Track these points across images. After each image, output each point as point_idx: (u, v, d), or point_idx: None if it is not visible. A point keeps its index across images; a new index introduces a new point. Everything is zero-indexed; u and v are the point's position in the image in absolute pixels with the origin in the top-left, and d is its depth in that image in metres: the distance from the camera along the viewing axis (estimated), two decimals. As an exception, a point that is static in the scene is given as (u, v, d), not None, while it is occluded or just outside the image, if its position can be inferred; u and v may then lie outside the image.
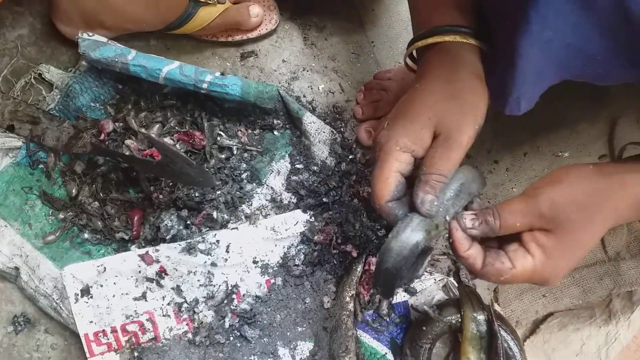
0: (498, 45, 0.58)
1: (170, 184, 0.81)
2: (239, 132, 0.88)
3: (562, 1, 0.46)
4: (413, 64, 0.66)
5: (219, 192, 0.83)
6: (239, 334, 0.82)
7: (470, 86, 0.55)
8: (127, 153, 0.81)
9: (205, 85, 0.82)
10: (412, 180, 0.55)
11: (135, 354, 0.79)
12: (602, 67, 0.54)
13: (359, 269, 0.82)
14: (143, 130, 0.52)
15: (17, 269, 0.82)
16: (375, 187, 0.53)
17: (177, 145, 0.83)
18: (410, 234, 0.52)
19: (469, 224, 0.53)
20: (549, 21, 0.48)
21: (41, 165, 0.86)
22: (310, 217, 0.84)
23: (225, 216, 0.83)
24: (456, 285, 0.84)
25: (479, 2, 0.61)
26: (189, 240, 0.79)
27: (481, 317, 0.77)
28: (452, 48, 0.57)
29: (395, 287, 0.55)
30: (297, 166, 0.87)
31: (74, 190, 0.85)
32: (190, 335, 0.80)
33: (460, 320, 0.78)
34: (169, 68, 0.81)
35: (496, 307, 0.81)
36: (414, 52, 0.65)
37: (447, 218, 0.54)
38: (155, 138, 0.52)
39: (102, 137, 0.84)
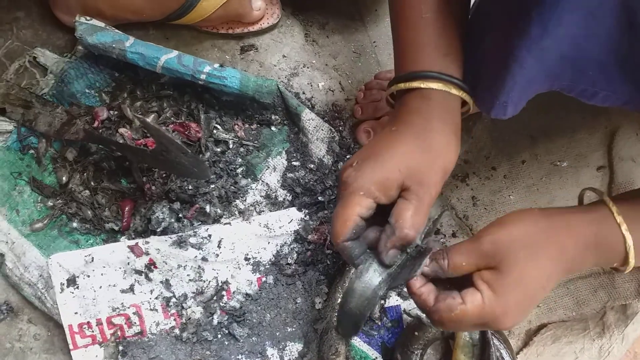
0: (489, 47, 0.57)
1: (164, 174, 0.80)
2: (236, 126, 0.87)
3: (567, 10, 0.45)
4: (392, 100, 0.65)
5: (212, 186, 0.82)
6: (227, 331, 0.80)
7: (444, 140, 0.55)
8: (120, 142, 0.79)
9: (203, 77, 0.80)
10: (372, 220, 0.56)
11: (120, 347, 0.77)
12: (592, 83, 0.54)
13: (352, 271, 0.81)
14: (138, 116, 0.51)
15: (2, 255, 0.80)
16: (335, 226, 0.54)
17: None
18: (372, 277, 0.53)
19: (427, 269, 0.55)
20: (549, 29, 0.46)
21: (32, 151, 0.84)
22: (305, 216, 0.83)
23: (219, 211, 0.81)
24: (450, 290, 0.83)
25: (465, 50, 0.60)
26: (180, 234, 0.78)
27: (474, 324, 0.76)
28: (433, 96, 0.56)
29: (358, 327, 0.57)
30: (294, 163, 0.86)
31: (64, 178, 0.83)
32: (177, 331, 0.79)
33: (452, 326, 0.77)
34: (167, 57, 0.79)
35: (489, 314, 0.79)
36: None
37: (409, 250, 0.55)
38: (151, 124, 0.51)
39: (95, 124, 0.82)
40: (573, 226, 0.53)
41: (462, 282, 0.54)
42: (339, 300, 0.54)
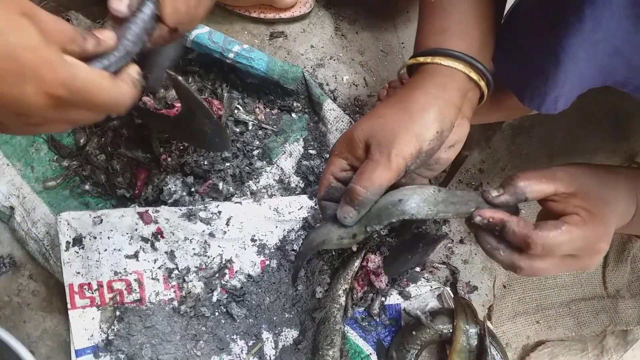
0: (537, 44, 0.56)
1: (181, 147, 0.80)
2: (257, 109, 0.87)
3: (620, 5, 0.45)
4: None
5: (227, 164, 0.82)
6: (225, 310, 0.80)
7: (421, 106, 0.52)
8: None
9: (231, 55, 0.81)
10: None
11: (117, 313, 0.77)
12: None
13: (356, 264, 0.81)
14: (170, 72, 0.51)
15: (12, 208, 0.80)
16: (319, 185, 0.56)
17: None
18: (324, 234, 0.55)
19: (494, 193, 0.52)
20: (602, 22, 0.46)
21: (54, 110, 0.85)
22: (316, 204, 0.83)
23: (231, 189, 0.81)
24: (452, 296, 0.83)
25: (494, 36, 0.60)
26: (190, 207, 0.78)
27: (473, 330, 0.76)
28: (430, 70, 0.55)
29: (298, 267, 0.60)
30: (310, 151, 0.86)
31: (82, 140, 0.84)
32: (175, 303, 0.79)
33: (451, 330, 0.77)
34: (198, 32, 0.80)
35: (489, 324, 0.79)
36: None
37: (368, 229, 0.54)
38: (182, 81, 0.51)
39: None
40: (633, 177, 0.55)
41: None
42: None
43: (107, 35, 0.45)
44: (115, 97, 0.44)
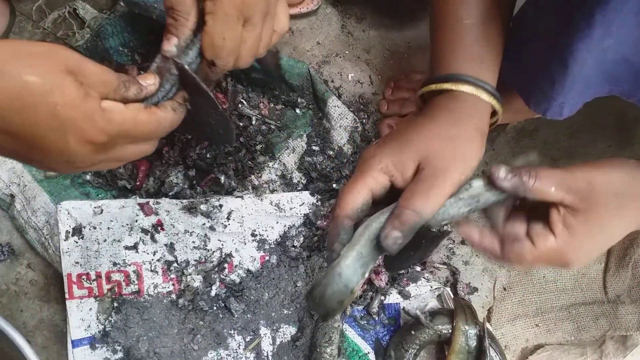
0: (545, 48, 0.57)
1: (184, 139, 0.80)
2: (261, 103, 0.87)
3: (631, 12, 0.45)
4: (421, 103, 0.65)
5: (230, 158, 0.82)
6: (223, 305, 0.79)
7: (469, 136, 0.53)
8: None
9: (237, 49, 0.80)
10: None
11: (115, 304, 0.76)
12: None
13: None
14: (176, 61, 0.51)
15: (12, 196, 0.80)
16: (343, 196, 0.51)
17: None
18: (349, 277, 0.46)
19: (502, 174, 0.50)
20: (611, 29, 0.46)
21: (57, 99, 0.85)
22: (317, 201, 0.82)
23: (233, 183, 0.81)
24: (452, 296, 0.82)
25: (500, 59, 0.60)
26: (191, 200, 0.77)
27: (472, 331, 0.75)
28: (464, 98, 0.56)
29: (332, 315, 0.50)
30: (314, 148, 0.86)
31: (85, 130, 0.83)
32: (174, 296, 0.78)
33: (450, 331, 0.76)
34: (205, 24, 0.79)
35: (488, 326, 0.78)
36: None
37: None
38: (189, 70, 0.51)
39: (124, 81, 0.82)
40: None
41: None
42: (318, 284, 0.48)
43: (149, 81, 0.49)
44: (154, 128, 0.47)
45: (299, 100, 0.87)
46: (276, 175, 0.84)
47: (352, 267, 0.46)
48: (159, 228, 0.77)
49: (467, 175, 0.52)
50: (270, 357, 0.79)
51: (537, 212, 0.52)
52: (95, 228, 0.76)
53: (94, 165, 0.46)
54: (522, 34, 0.63)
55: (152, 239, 0.77)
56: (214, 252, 0.79)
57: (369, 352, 0.81)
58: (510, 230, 0.52)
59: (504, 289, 0.88)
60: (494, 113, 0.59)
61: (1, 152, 0.42)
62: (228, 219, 0.79)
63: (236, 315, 0.79)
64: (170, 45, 0.52)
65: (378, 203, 0.52)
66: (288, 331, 0.80)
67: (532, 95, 0.60)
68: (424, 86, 0.60)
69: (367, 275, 0.48)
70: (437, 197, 0.50)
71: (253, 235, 0.80)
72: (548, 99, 0.56)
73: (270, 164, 0.84)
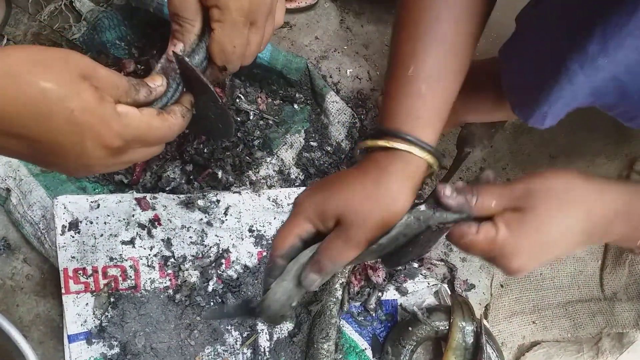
0: (539, 55, 0.56)
1: (182, 133, 0.79)
2: (259, 98, 0.87)
3: (630, 34, 0.44)
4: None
5: (227, 153, 0.81)
6: (220, 300, 0.79)
7: (392, 195, 0.54)
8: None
9: (235, 43, 0.80)
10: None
11: (112, 299, 0.76)
12: (636, 107, 0.53)
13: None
14: (177, 53, 0.50)
15: (8, 190, 0.79)
16: (275, 241, 0.56)
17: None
18: (286, 294, 0.55)
19: (447, 192, 0.53)
20: (608, 48, 0.46)
21: (53, 93, 0.84)
22: (315, 197, 0.82)
23: (230, 178, 0.81)
24: (449, 293, 0.82)
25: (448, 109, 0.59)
26: (189, 195, 0.77)
27: (469, 328, 0.75)
28: (397, 154, 0.55)
29: (278, 322, 0.59)
30: (312, 143, 0.85)
31: (81, 124, 0.83)
32: (170, 292, 0.78)
33: (447, 327, 0.76)
34: (203, 18, 0.79)
35: (485, 322, 0.78)
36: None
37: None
38: (188, 63, 0.50)
39: (121, 75, 0.82)
40: (606, 191, 0.52)
41: None
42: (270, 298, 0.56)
43: (157, 82, 0.51)
44: (165, 133, 0.49)
45: (297, 95, 0.87)
46: (274, 170, 0.84)
47: (279, 300, 0.55)
48: (156, 223, 0.77)
49: (384, 229, 0.54)
50: (267, 353, 0.79)
51: None
52: (91, 223, 0.76)
53: (107, 168, 0.47)
54: (519, 36, 0.62)
55: (149, 234, 0.77)
56: (211, 247, 0.79)
57: (366, 348, 0.81)
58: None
59: (501, 286, 0.88)
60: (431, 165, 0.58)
61: (19, 156, 0.43)
62: (225, 214, 0.78)
63: (233, 311, 0.79)
64: (177, 51, 0.53)
65: (312, 239, 0.56)
66: (285, 327, 0.80)
67: (517, 99, 0.60)
68: (362, 141, 0.60)
69: (294, 303, 0.56)
70: (350, 251, 0.53)
71: (250, 230, 0.80)
72: (532, 106, 0.56)
73: (268, 159, 0.84)
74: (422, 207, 0.54)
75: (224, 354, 0.78)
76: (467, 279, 0.85)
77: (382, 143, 0.55)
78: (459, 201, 0.53)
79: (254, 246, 0.80)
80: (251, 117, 0.85)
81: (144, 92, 0.48)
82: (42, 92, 0.38)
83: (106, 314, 0.76)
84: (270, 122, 0.86)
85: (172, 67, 0.53)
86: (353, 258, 0.54)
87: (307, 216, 0.55)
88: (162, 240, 0.77)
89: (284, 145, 0.84)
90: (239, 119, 0.85)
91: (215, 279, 0.79)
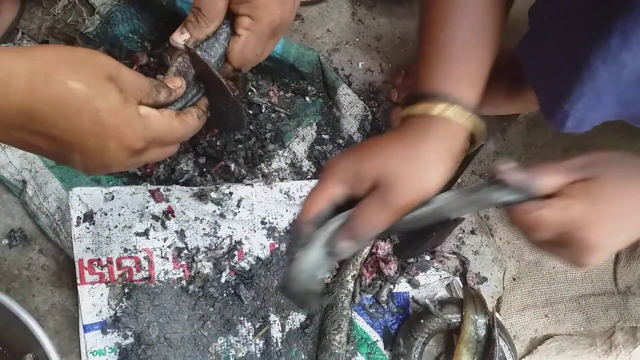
0: (560, 51, 0.55)
1: (195, 126, 0.80)
2: (271, 91, 0.87)
3: None
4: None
5: (240, 146, 0.81)
6: (233, 291, 0.80)
7: (431, 159, 0.52)
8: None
9: (248, 36, 0.80)
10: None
11: (126, 290, 0.77)
12: None
13: (365, 251, 0.80)
14: (188, 47, 0.50)
15: (24, 182, 0.80)
16: (305, 205, 0.53)
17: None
18: (315, 263, 0.51)
19: (508, 166, 0.48)
20: (630, 42, 0.44)
21: (68, 86, 0.85)
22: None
23: (243, 171, 0.81)
24: (461, 286, 0.82)
25: (488, 71, 0.57)
26: (202, 187, 0.78)
27: (482, 320, 0.75)
28: (437, 118, 0.53)
29: (304, 301, 0.55)
30: (323, 136, 0.85)
31: (95, 117, 0.83)
32: (184, 283, 0.79)
33: (459, 320, 0.76)
34: (215, 10, 0.79)
35: (497, 315, 0.78)
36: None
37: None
38: (200, 56, 0.51)
39: (134, 68, 0.82)
40: None
41: None
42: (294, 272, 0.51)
43: (177, 84, 0.52)
44: (183, 134, 0.51)
45: (309, 88, 0.87)
46: (286, 163, 0.84)
47: (306, 271, 0.50)
48: (170, 215, 0.77)
49: (424, 197, 0.51)
50: (279, 344, 0.79)
51: None
52: (106, 214, 0.76)
53: (125, 168, 0.48)
54: (536, 32, 0.61)
55: (163, 225, 0.78)
56: (224, 239, 0.79)
57: (377, 340, 0.81)
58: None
59: (514, 279, 0.87)
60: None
61: (41, 153, 0.44)
62: (238, 206, 0.79)
63: (246, 302, 0.79)
64: (180, 39, 0.54)
65: (343, 206, 0.54)
66: (297, 318, 0.81)
67: (540, 96, 0.58)
68: (405, 105, 0.58)
69: (323, 275, 0.52)
70: (387, 215, 0.50)
71: (263, 222, 0.81)
72: (553, 104, 0.54)
73: (280, 152, 0.84)
74: (480, 183, 0.49)
75: (236, 345, 0.79)
76: (479, 272, 0.85)
77: (421, 109, 0.53)
78: (521, 177, 0.47)
79: (266, 238, 0.81)
80: (263, 110, 0.85)
81: (164, 93, 0.49)
82: (71, 92, 0.39)
83: (121, 304, 0.77)
84: (282, 115, 0.86)
85: (189, 71, 0.54)
86: (388, 224, 0.51)
87: (340, 178, 0.52)
88: (176, 231, 0.78)
89: (295, 138, 0.84)
90: (251, 112, 0.85)
91: (228, 270, 0.79)
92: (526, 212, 0.47)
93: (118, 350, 0.76)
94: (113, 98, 0.41)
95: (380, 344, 0.81)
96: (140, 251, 0.77)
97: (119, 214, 0.77)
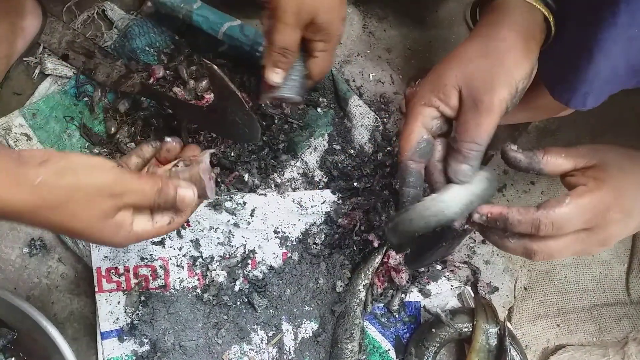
0: (571, 37, 0.56)
1: (209, 137, 0.81)
2: (284, 103, 0.88)
3: None
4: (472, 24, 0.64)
5: (253, 157, 0.83)
6: (246, 300, 0.81)
7: (510, 45, 0.51)
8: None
9: (262, 49, 0.82)
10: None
11: (142, 298, 0.79)
12: None
13: (377, 260, 0.81)
14: (206, 61, 0.53)
15: (44, 192, 0.83)
16: (400, 142, 0.53)
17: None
18: (439, 207, 0.49)
19: (514, 146, 0.51)
20: (637, 17, 0.46)
21: (86, 98, 0.87)
22: (338, 199, 0.84)
23: (256, 181, 0.83)
24: (472, 295, 0.83)
25: None
26: (216, 197, 0.79)
27: (493, 330, 0.76)
28: (509, 6, 0.54)
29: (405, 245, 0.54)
30: (335, 147, 0.87)
31: (113, 128, 0.86)
32: (199, 291, 0.80)
33: (471, 329, 0.77)
34: (230, 24, 0.81)
35: (509, 325, 0.79)
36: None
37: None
38: (217, 70, 0.52)
39: (151, 80, 0.84)
40: None
41: None
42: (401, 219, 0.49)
43: (169, 145, 0.63)
44: (175, 227, 0.57)
45: (321, 99, 0.88)
46: (298, 173, 0.85)
47: (455, 200, 0.49)
48: (185, 224, 0.79)
49: (517, 86, 0.50)
50: (292, 352, 0.80)
51: None
52: (123, 224, 0.78)
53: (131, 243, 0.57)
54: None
55: (178, 234, 0.79)
56: (237, 248, 0.81)
57: (389, 349, 0.82)
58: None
59: (525, 288, 0.88)
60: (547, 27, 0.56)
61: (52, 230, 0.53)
62: (252, 215, 0.80)
63: (259, 311, 0.80)
64: (279, 78, 0.63)
65: (443, 134, 0.54)
66: (310, 327, 0.82)
67: (556, 84, 0.59)
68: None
69: (465, 213, 0.50)
70: (488, 123, 0.49)
71: (276, 232, 0.82)
72: (572, 88, 0.55)
73: (293, 162, 0.85)
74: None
75: (250, 353, 0.80)
76: (490, 282, 0.85)
77: None
78: (527, 155, 0.50)
79: (279, 247, 0.82)
80: (276, 121, 0.87)
81: (171, 200, 0.54)
82: (75, 193, 0.47)
83: (137, 312, 0.78)
84: (295, 126, 0.88)
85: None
86: (494, 126, 0.50)
87: (425, 100, 0.52)
88: (191, 240, 0.80)
89: (308, 148, 0.86)
90: (264, 123, 0.86)
91: (241, 278, 0.81)
92: (554, 205, 0.48)
93: (134, 358, 0.78)
94: (108, 232, 0.50)
95: (392, 353, 0.81)
96: (157, 260, 0.79)
97: (136, 224, 0.78)
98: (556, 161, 0.51)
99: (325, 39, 0.63)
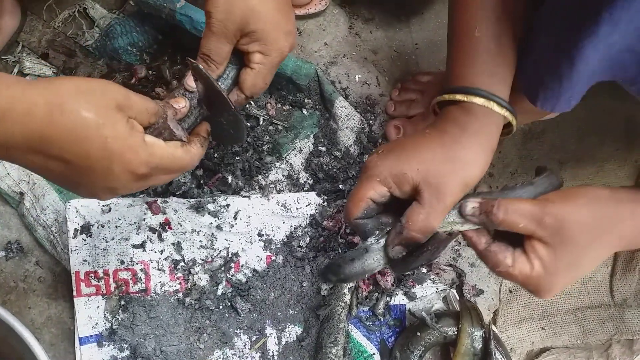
0: (551, 46, 0.56)
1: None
2: (269, 104, 0.87)
3: (638, 11, 0.45)
4: (437, 110, 0.66)
5: (237, 158, 0.82)
6: (229, 304, 0.80)
7: (471, 155, 0.55)
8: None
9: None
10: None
11: (122, 302, 0.77)
12: None
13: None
14: (191, 60, 0.52)
15: (21, 194, 0.81)
16: (348, 205, 0.57)
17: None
18: (372, 262, 0.57)
19: (468, 210, 0.55)
20: (619, 26, 0.46)
21: (66, 98, 0.85)
22: (323, 202, 0.83)
23: (240, 183, 0.81)
24: (457, 298, 0.82)
25: (515, 64, 0.61)
26: (199, 199, 0.78)
27: (478, 333, 0.75)
28: (475, 111, 0.57)
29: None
30: (320, 148, 0.86)
31: (93, 129, 0.84)
32: (180, 295, 0.78)
33: (456, 333, 0.76)
34: (214, 24, 0.80)
35: (494, 328, 0.78)
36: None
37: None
38: (203, 70, 0.52)
39: (133, 81, 0.83)
40: (637, 211, 0.53)
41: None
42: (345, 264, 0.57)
43: (181, 104, 0.57)
44: (187, 163, 0.53)
45: (306, 101, 0.87)
46: (283, 175, 0.84)
47: (358, 273, 0.57)
48: (167, 227, 0.78)
49: (468, 188, 0.55)
50: (275, 357, 0.79)
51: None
52: (103, 226, 0.77)
53: (130, 191, 0.51)
54: (527, 34, 0.62)
55: (160, 237, 0.78)
56: (220, 251, 0.80)
57: (374, 353, 0.81)
58: (498, 242, 0.56)
59: (510, 291, 0.87)
60: (508, 125, 0.60)
61: (51, 176, 0.47)
62: (235, 218, 0.79)
63: (242, 315, 0.79)
64: (194, 86, 0.58)
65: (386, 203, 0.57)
66: (294, 331, 0.81)
67: (539, 92, 0.60)
68: (439, 94, 0.61)
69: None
70: (436, 220, 0.54)
71: (259, 235, 0.81)
72: (556, 95, 0.56)
73: (277, 164, 0.84)
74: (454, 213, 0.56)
75: (232, 358, 0.79)
76: (475, 285, 0.85)
77: (460, 97, 0.56)
78: (481, 220, 0.54)
79: (263, 250, 0.81)
80: (261, 123, 0.86)
81: (170, 113, 0.52)
82: (83, 120, 0.43)
83: (117, 316, 0.76)
84: (280, 127, 0.87)
85: (194, 95, 0.58)
86: (436, 228, 0.54)
87: (382, 179, 0.55)
88: (173, 244, 0.78)
89: (293, 150, 0.85)
90: (248, 124, 0.86)
91: (224, 282, 0.80)
92: (495, 265, 0.54)
93: (114, 363, 0.76)
94: (120, 126, 0.45)
95: (377, 357, 0.81)
96: (137, 263, 0.77)
97: (116, 226, 0.77)
98: (513, 224, 0.53)
99: (263, 51, 0.60)
